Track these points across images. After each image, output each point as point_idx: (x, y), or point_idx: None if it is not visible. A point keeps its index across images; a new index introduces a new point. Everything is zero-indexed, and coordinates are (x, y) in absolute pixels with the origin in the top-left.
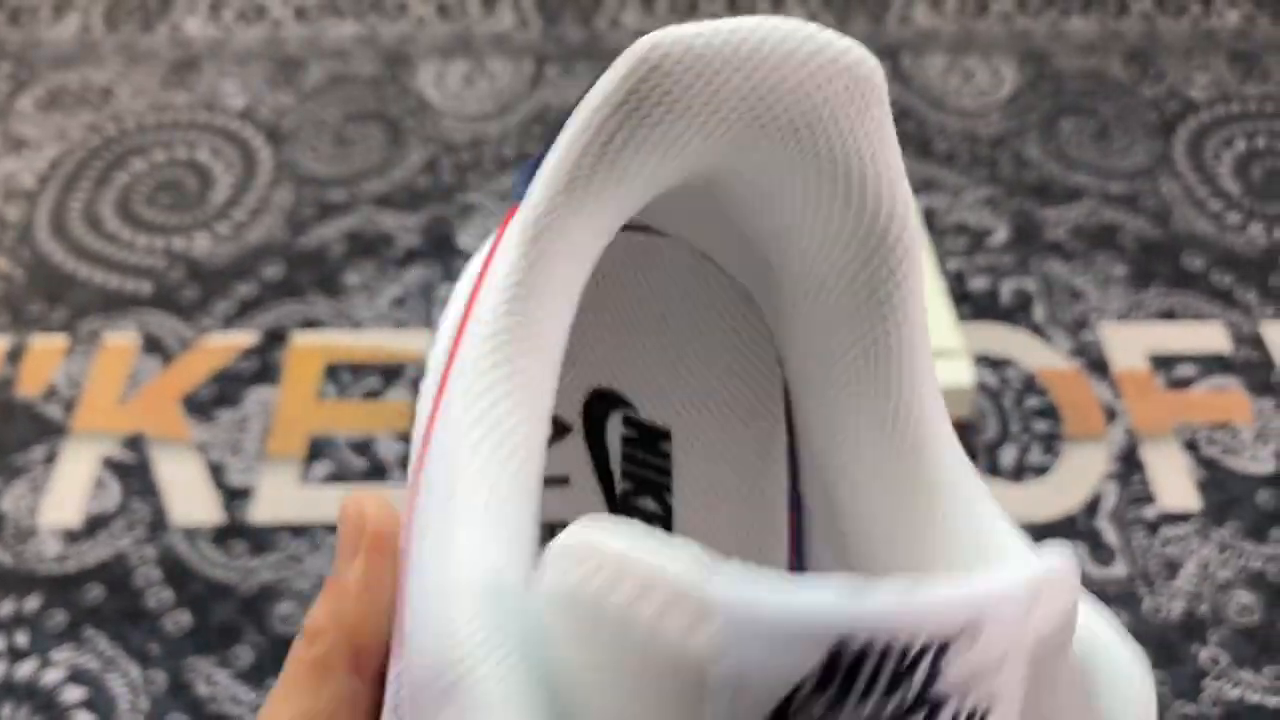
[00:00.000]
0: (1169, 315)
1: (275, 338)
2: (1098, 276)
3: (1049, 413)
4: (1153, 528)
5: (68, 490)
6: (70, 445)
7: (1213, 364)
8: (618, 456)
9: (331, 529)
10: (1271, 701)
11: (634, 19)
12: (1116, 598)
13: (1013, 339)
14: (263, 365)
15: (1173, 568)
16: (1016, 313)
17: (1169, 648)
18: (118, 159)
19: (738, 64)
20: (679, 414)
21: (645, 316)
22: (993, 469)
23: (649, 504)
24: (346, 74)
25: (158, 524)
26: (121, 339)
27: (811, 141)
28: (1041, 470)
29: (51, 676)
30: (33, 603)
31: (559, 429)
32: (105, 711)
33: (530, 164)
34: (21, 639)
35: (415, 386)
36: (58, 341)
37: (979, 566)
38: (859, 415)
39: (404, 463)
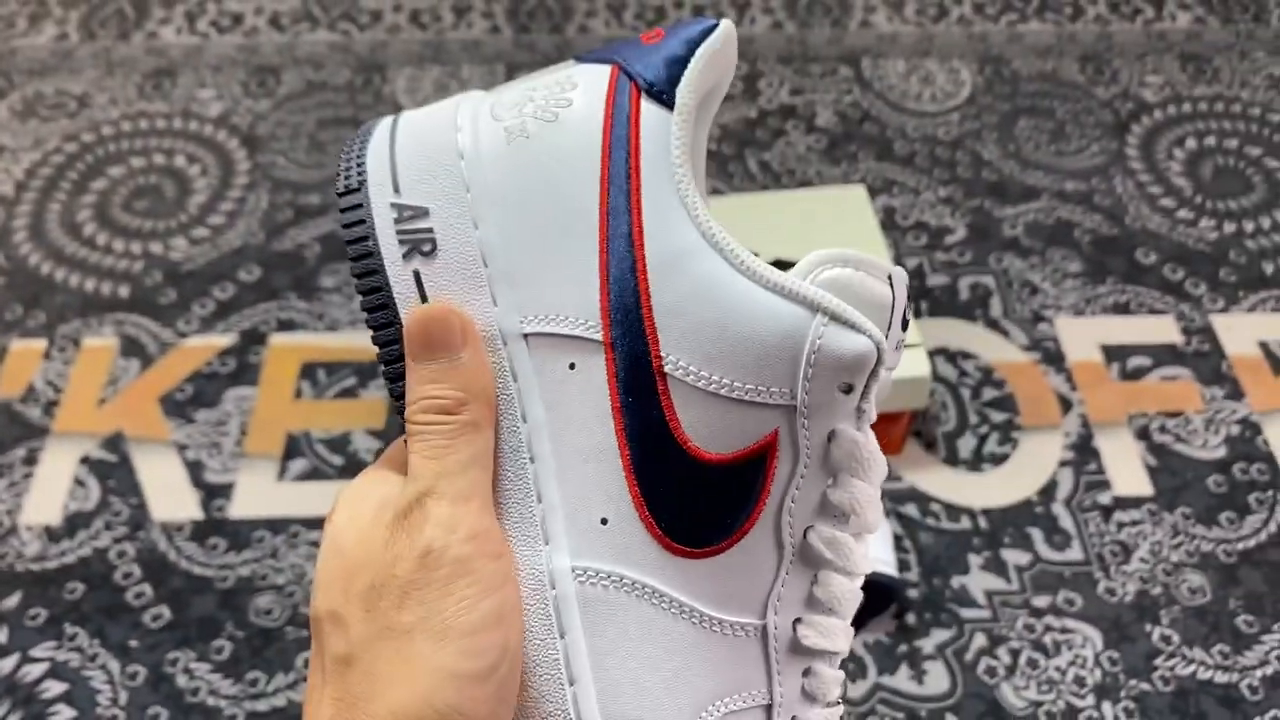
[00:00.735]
0: (1123, 309)
1: (252, 339)
2: (1053, 272)
3: (1006, 403)
4: (1107, 513)
5: (48, 490)
6: (51, 446)
7: (1165, 355)
8: None
9: (309, 524)
10: (1220, 678)
11: (602, 26)
12: (1072, 580)
13: (971, 333)
14: (240, 366)
15: (1126, 551)
16: (975, 308)
17: (1123, 628)
18: (95, 165)
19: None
20: None
21: None
22: (952, 458)
23: None
24: (321, 81)
25: (137, 522)
26: (101, 341)
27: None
28: (1000, 459)
29: (31, 672)
30: (12, 600)
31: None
32: (85, 705)
33: (640, 46)
34: (1, 636)
35: None
36: (37, 344)
37: None
38: None
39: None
